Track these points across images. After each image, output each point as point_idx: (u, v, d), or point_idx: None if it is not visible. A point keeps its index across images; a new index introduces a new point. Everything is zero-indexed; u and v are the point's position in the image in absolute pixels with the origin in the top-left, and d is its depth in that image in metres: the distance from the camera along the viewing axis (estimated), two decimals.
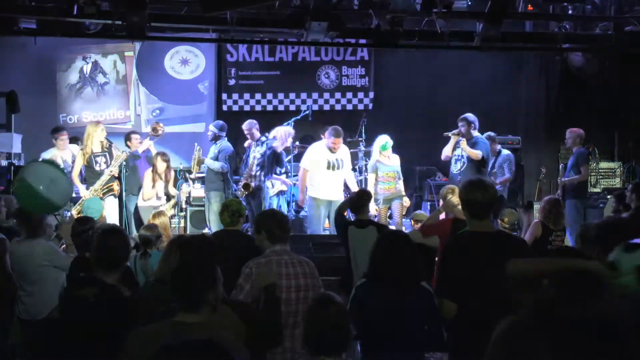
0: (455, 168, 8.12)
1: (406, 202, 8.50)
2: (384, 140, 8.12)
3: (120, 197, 7.93)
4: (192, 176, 8.66)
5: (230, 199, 5.24)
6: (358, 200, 5.78)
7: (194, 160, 8.30)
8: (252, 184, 8.07)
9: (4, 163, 8.65)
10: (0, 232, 5.21)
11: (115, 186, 7.68)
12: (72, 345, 3.08)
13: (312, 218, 7.94)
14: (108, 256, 3.32)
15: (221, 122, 8.70)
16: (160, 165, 8.25)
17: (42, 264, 4.79)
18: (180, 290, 2.74)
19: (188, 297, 2.72)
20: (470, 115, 8.02)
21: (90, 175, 7.70)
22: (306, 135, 9.80)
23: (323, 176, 7.86)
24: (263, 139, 8.15)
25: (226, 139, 8.40)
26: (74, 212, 7.24)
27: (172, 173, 8.48)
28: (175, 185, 8.35)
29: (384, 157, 8.14)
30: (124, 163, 7.74)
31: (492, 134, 8.59)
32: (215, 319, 2.75)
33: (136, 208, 8.30)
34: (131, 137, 8.66)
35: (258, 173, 8.10)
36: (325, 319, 2.69)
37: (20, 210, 5.07)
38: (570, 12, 8.51)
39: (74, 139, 8.71)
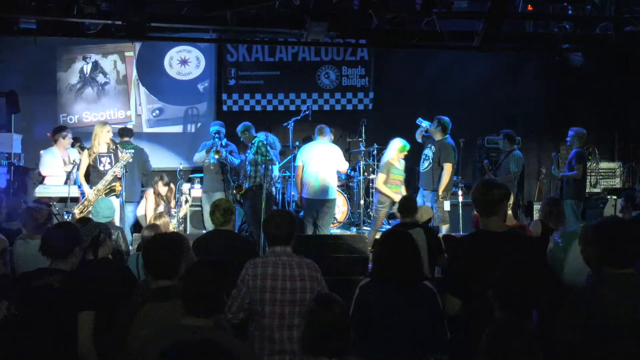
0: (422, 166, 8.22)
1: None
2: (402, 142, 8.01)
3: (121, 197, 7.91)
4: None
5: (219, 199, 5.27)
6: (401, 205, 6.09)
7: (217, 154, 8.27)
8: (245, 185, 8.04)
9: (4, 163, 8.63)
10: (1, 233, 5.21)
11: (118, 187, 7.66)
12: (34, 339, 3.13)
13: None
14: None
15: (216, 122, 8.76)
16: (162, 190, 8.29)
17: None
18: (200, 294, 2.61)
19: (207, 302, 2.62)
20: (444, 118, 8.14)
21: (94, 175, 7.63)
22: (306, 136, 9.79)
23: None
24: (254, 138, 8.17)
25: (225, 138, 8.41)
26: (76, 211, 7.22)
27: (173, 191, 8.47)
28: (174, 205, 8.33)
29: (396, 160, 8.04)
30: (124, 164, 7.71)
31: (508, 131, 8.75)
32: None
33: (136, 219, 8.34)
34: (125, 137, 8.57)
35: (252, 174, 8.08)
36: (328, 319, 2.65)
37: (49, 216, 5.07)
38: (570, 12, 8.52)
39: (75, 140, 8.66)
